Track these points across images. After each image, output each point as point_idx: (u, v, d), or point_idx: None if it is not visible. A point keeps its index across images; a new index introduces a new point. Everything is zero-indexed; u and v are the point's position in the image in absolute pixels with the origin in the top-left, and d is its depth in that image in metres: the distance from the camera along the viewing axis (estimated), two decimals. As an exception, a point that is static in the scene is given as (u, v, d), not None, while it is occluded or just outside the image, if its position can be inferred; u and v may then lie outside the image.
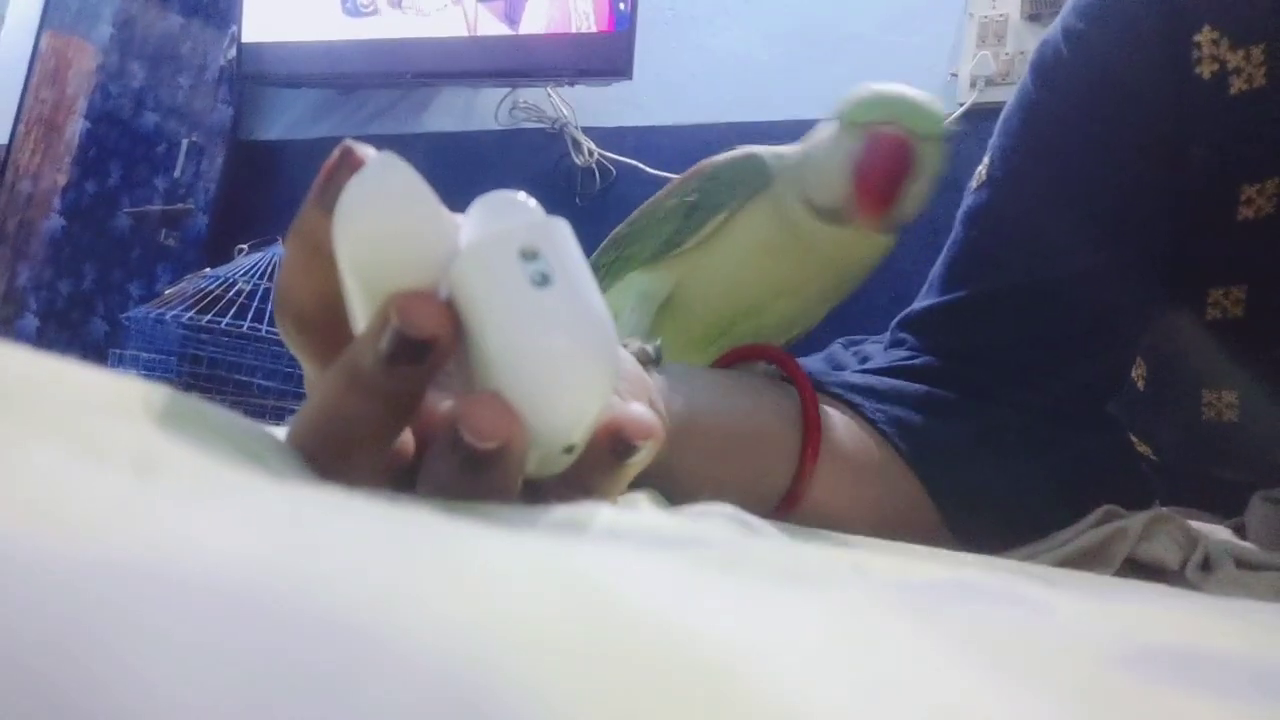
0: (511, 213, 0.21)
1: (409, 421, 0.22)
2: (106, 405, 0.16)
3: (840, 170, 0.40)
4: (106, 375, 0.18)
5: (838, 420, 0.42)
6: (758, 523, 0.27)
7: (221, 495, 0.10)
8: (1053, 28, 0.50)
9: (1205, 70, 0.45)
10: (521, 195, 0.22)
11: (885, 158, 0.39)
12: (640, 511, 0.29)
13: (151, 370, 1.73)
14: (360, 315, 0.21)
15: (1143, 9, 0.46)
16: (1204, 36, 0.45)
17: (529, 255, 0.20)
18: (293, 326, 0.24)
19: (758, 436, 0.39)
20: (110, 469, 0.10)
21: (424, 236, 0.20)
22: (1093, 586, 0.21)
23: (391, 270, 0.20)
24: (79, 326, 2.40)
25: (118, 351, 1.82)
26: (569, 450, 0.21)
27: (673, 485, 0.37)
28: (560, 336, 0.19)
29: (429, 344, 0.19)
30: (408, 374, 0.20)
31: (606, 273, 0.46)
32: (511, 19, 1.85)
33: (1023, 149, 0.49)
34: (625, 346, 0.36)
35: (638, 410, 0.22)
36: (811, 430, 0.40)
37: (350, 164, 0.21)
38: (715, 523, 0.26)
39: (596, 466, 0.22)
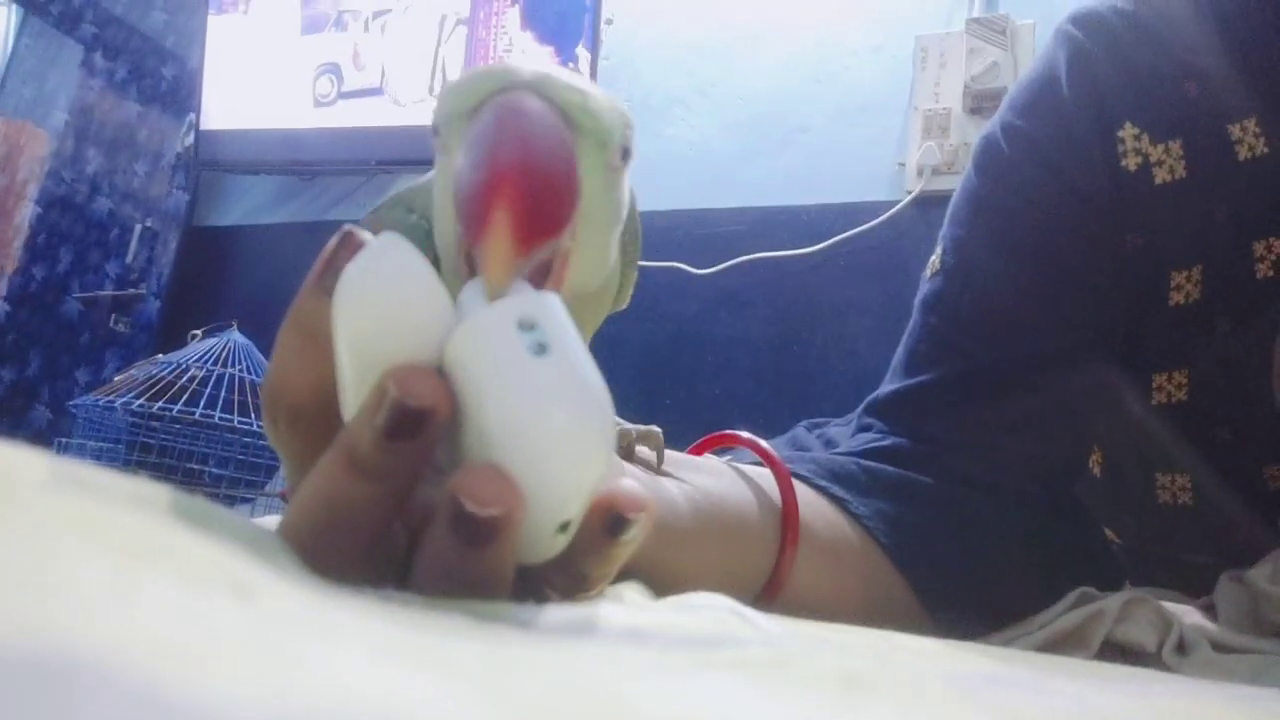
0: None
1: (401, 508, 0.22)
2: (139, 509, 0.16)
3: (445, 203, 0.24)
4: (109, 474, 0.18)
5: (815, 507, 0.43)
6: (751, 614, 0.27)
7: (321, 621, 0.11)
8: (992, 123, 0.53)
9: (1130, 163, 0.48)
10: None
11: (503, 133, 0.22)
12: (642, 608, 0.29)
13: (98, 459, 1.69)
14: (353, 398, 0.21)
15: (1072, 106, 0.49)
16: (1126, 132, 0.48)
17: (527, 326, 0.20)
18: (284, 419, 0.23)
19: (737, 524, 0.39)
20: (214, 595, 0.10)
21: (423, 314, 0.20)
22: (1104, 678, 0.22)
23: (390, 348, 0.20)
24: (20, 415, 2.34)
25: (63, 440, 1.77)
26: (564, 529, 0.21)
27: (653, 573, 0.37)
28: (559, 406, 0.19)
29: (426, 416, 0.19)
30: (405, 450, 0.20)
31: None
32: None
33: (973, 238, 0.51)
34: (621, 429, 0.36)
35: (628, 484, 0.22)
36: (790, 518, 0.41)
37: (350, 247, 0.21)
38: (715, 616, 0.26)
39: (589, 549, 0.22)
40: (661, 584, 0.37)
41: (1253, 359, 0.48)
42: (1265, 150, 0.47)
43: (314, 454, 0.22)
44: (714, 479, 0.40)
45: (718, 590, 0.37)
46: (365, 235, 0.21)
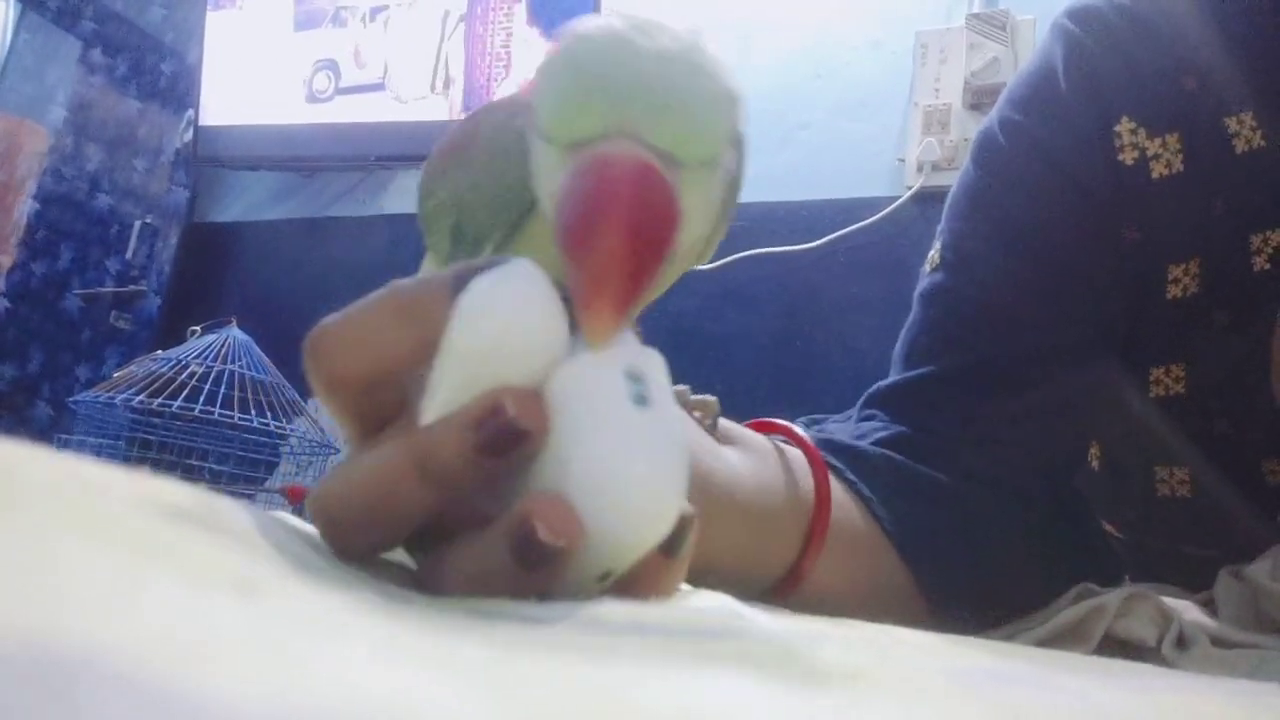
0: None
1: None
2: (141, 507, 0.16)
3: (552, 229, 0.23)
4: (111, 470, 0.18)
5: (840, 502, 0.42)
6: (751, 613, 0.27)
7: (325, 620, 0.11)
8: (989, 118, 0.53)
9: (1128, 157, 0.48)
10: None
11: (606, 207, 0.21)
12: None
13: (99, 455, 1.69)
14: (440, 405, 0.20)
15: (1070, 101, 0.49)
16: (1123, 126, 0.48)
17: (634, 377, 0.20)
18: (350, 382, 0.21)
19: (767, 513, 0.39)
20: (217, 594, 0.10)
21: (539, 343, 0.20)
22: (1106, 673, 0.22)
23: (498, 370, 0.20)
24: (22, 411, 2.34)
25: (63, 436, 1.77)
26: (604, 578, 0.21)
27: None
28: (646, 461, 0.20)
29: (526, 438, 0.19)
30: (489, 466, 0.20)
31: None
32: (469, 106, 1.89)
33: (972, 232, 0.51)
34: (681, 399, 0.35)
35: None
36: (822, 516, 0.40)
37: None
38: (719, 611, 0.26)
39: (645, 574, 0.21)
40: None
41: (1251, 352, 0.48)
42: (1262, 143, 0.47)
43: (357, 424, 0.22)
44: (757, 460, 0.39)
45: (735, 577, 0.37)
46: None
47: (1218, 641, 0.41)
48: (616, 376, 0.20)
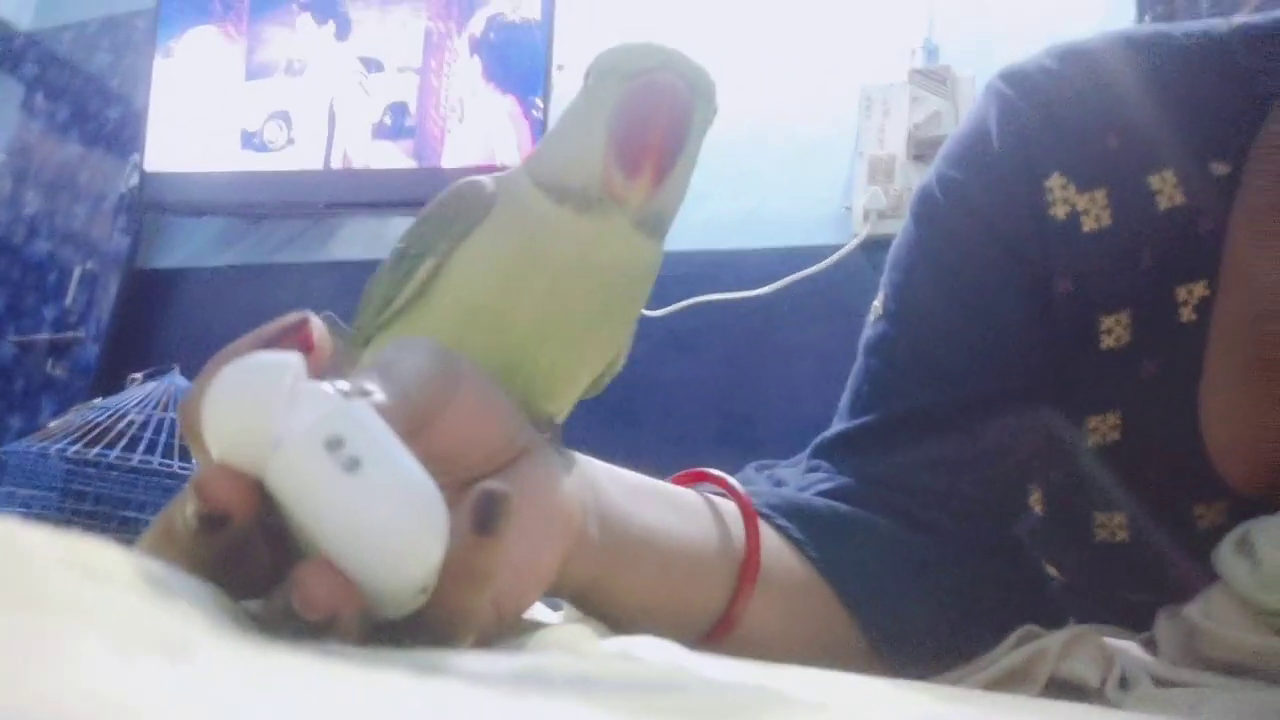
0: (315, 404, 0.22)
1: (248, 562, 0.24)
2: (67, 566, 0.16)
3: (592, 132, 0.32)
4: (33, 530, 0.17)
5: (773, 546, 0.43)
6: (694, 662, 0.27)
7: (261, 680, 0.10)
8: (928, 174, 0.55)
9: (1059, 211, 0.50)
10: (325, 385, 0.23)
11: (656, 105, 0.31)
12: (587, 655, 0.29)
13: (29, 507, 1.63)
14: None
15: (1003, 158, 0.51)
16: (1054, 182, 0.50)
17: (334, 445, 0.21)
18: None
19: (694, 559, 0.40)
20: (146, 655, 0.10)
21: (260, 430, 0.22)
22: (1051, 714, 0.22)
23: (225, 450, 0.22)
24: (-51, 462, 2.26)
25: (-6, 487, 1.71)
26: (423, 590, 0.22)
27: (601, 608, 0.37)
28: (380, 513, 0.21)
29: (225, 519, 0.22)
30: (212, 540, 0.22)
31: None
32: (421, 156, 1.90)
33: (911, 285, 0.53)
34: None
35: (488, 484, 0.23)
36: (751, 559, 0.41)
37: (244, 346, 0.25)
38: (661, 662, 0.26)
39: (460, 566, 0.23)
40: (609, 615, 0.37)
41: (1180, 400, 0.49)
42: (1182, 200, 0.49)
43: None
44: (678, 513, 0.40)
45: (668, 623, 0.37)
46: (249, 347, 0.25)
47: (1159, 681, 0.41)
48: (317, 455, 0.21)
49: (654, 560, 0.38)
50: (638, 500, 0.38)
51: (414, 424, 0.26)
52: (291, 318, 0.26)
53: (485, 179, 0.35)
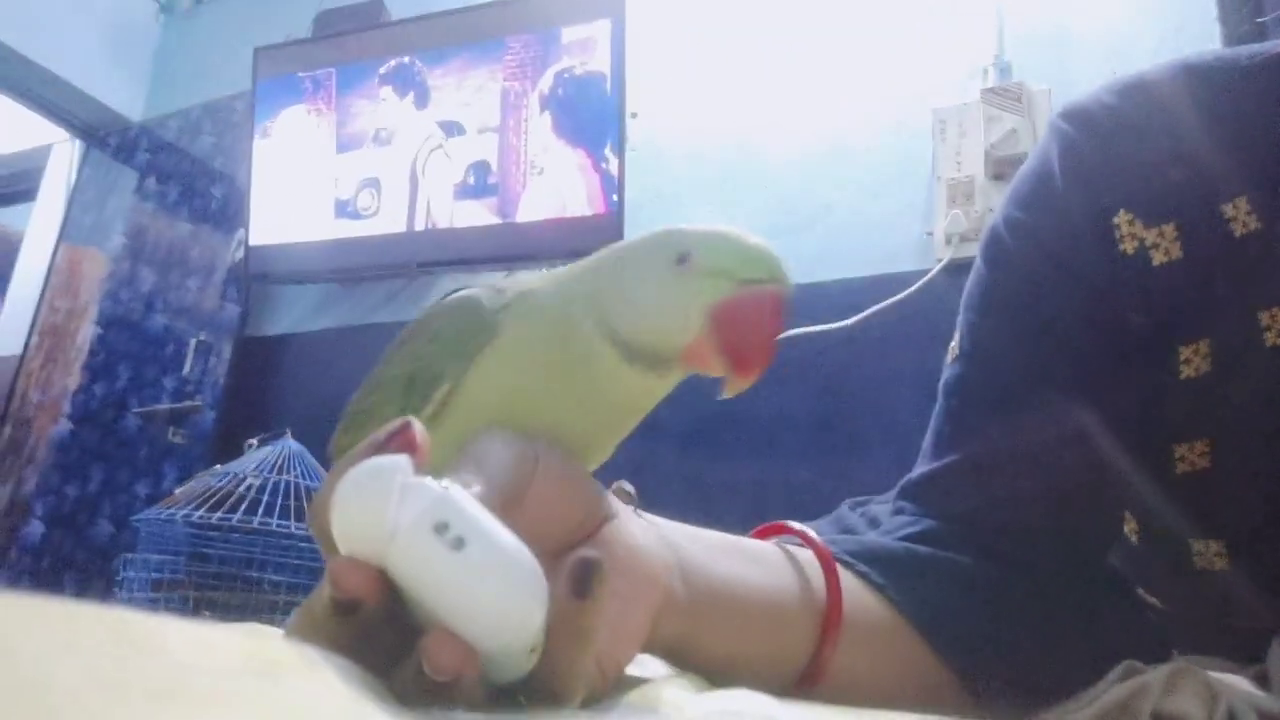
0: (421, 497, 0.25)
1: (377, 642, 0.26)
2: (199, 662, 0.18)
3: (688, 316, 0.35)
4: (210, 630, 0.20)
5: (853, 592, 0.44)
6: (785, 715, 0.28)
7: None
8: (996, 216, 0.55)
9: (1128, 247, 0.50)
10: (428, 479, 0.26)
11: (769, 316, 0.36)
12: (684, 707, 0.30)
13: (160, 571, 1.73)
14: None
15: (1069, 198, 0.52)
16: (1121, 219, 0.50)
17: (441, 528, 0.24)
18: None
19: (777, 612, 0.41)
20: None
21: (379, 524, 0.25)
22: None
23: (356, 546, 0.25)
24: (84, 530, 2.40)
25: (128, 556, 1.81)
26: (533, 650, 0.26)
27: (693, 661, 0.39)
28: (485, 581, 0.24)
29: (357, 604, 0.25)
30: (349, 623, 0.25)
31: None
32: (504, 212, 1.96)
33: (985, 326, 0.54)
34: (613, 489, 0.38)
35: (582, 552, 0.27)
36: (834, 607, 0.42)
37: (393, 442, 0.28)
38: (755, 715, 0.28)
39: (563, 630, 0.26)
40: (701, 668, 0.39)
41: (1273, 425, 0.48)
42: (1257, 225, 0.48)
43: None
44: (758, 566, 0.41)
45: (757, 672, 0.39)
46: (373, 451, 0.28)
47: (1265, 716, 0.40)
48: (427, 540, 0.24)
49: (737, 613, 0.39)
50: (717, 557, 0.40)
51: (505, 502, 0.29)
52: (396, 423, 0.29)
53: (480, 295, 0.37)
